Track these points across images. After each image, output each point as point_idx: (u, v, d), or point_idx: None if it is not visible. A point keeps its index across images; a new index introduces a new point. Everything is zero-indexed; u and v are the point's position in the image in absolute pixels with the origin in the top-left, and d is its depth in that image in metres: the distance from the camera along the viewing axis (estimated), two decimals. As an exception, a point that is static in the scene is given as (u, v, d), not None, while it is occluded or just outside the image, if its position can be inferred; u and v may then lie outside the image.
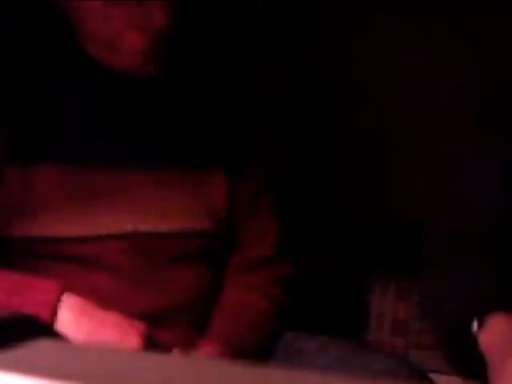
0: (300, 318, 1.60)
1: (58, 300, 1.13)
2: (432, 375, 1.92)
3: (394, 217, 2.38)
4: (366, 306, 2.24)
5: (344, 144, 2.40)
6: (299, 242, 1.54)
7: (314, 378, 0.53)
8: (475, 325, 1.13)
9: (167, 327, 1.25)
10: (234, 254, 1.37)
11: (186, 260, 1.28)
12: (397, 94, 2.32)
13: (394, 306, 2.22)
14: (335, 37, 2.36)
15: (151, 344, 1.15)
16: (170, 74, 1.30)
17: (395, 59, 2.29)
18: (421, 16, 2.15)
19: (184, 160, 1.30)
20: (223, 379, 0.52)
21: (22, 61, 1.26)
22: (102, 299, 1.20)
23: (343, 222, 2.41)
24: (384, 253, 2.34)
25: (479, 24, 2.05)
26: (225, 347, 1.23)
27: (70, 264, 1.21)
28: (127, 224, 1.23)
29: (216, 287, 1.35)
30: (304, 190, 2.41)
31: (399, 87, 2.30)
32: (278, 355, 1.31)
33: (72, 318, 1.14)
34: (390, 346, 2.20)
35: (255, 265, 1.37)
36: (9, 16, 1.43)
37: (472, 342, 1.13)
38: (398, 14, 2.22)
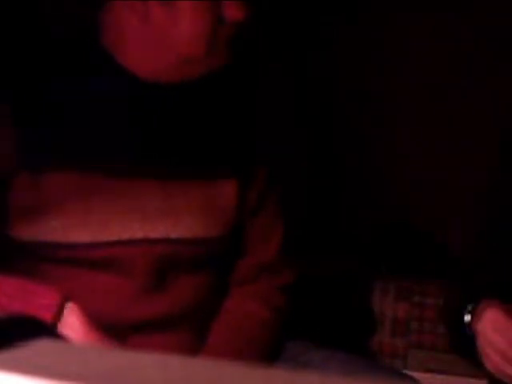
0: (300, 319, 1.60)
1: (61, 305, 1.13)
2: (432, 375, 1.91)
3: (394, 218, 2.38)
4: (366, 306, 2.24)
5: (346, 145, 2.40)
6: (299, 243, 1.54)
7: (314, 378, 0.53)
8: (468, 315, 1.25)
9: (173, 331, 1.25)
10: (240, 260, 1.36)
11: (195, 266, 1.28)
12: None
13: (394, 306, 2.22)
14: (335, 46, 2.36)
15: None
16: (185, 82, 1.28)
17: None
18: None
19: (194, 167, 1.29)
20: (224, 379, 0.52)
21: (39, 63, 1.26)
22: (110, 303, 1.20)
23: (344, 223, 2.41)
24: (385, 253, 2.34)
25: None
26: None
27: (79, 268, 1.21)
28: (137, 231, 1.22)
29: (222, 292, 1.35)
30: (304, 192, 2.41)
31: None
32: (283, 366, 1.31)
33: (79, 323, 1.14)
34: (390, 346, 2.20)
35: (259, 271, 1.37)
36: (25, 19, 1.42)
37: (466, 328, 1.26)
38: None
